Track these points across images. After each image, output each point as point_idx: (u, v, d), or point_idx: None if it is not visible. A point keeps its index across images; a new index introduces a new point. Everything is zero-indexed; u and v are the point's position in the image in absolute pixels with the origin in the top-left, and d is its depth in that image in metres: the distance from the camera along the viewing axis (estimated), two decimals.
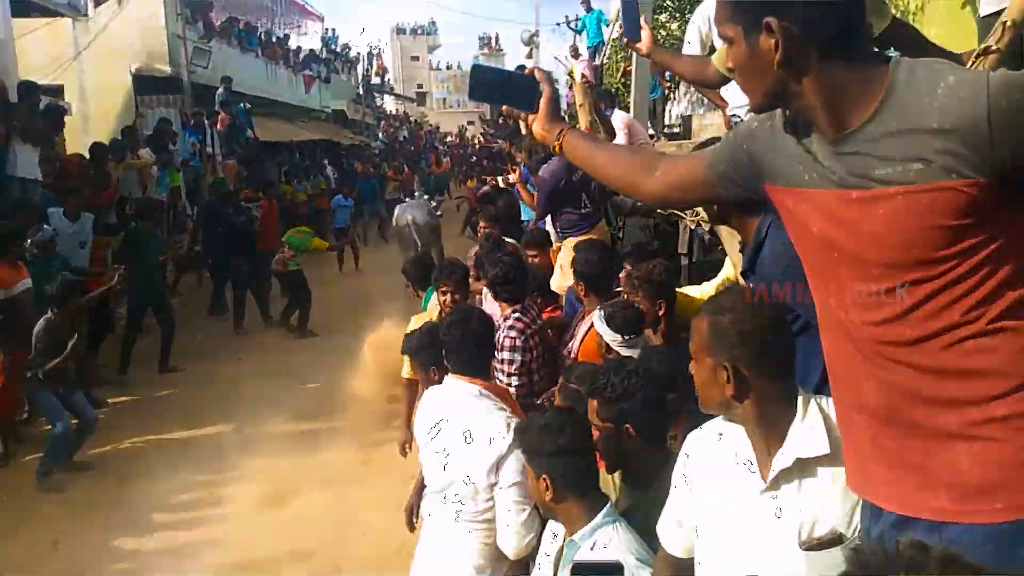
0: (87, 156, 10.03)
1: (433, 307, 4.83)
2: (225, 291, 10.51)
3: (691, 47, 4.29)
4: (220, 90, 15.31)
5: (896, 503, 1.36)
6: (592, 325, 3.56)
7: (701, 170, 1.62)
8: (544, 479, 2.11)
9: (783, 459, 1.57)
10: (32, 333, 5.80)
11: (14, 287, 5.90)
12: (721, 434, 1.74)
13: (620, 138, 5.90)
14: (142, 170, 10.74)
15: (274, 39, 23.50)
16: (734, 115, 4.04)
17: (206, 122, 14.24)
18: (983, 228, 1.22)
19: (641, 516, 2.17)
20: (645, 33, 3.05)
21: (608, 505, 2.12)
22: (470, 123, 48.61)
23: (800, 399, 1.61)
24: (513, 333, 3.75)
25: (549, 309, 4.50)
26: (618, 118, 6.54)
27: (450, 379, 2.87)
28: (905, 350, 1.30)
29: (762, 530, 1.59)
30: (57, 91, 13.54)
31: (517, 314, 3.83)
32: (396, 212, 11.20)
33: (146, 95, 15.39)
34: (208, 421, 6.81)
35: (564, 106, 16.88)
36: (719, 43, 3.66)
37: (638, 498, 2.27)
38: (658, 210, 5.35)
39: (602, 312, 3.36)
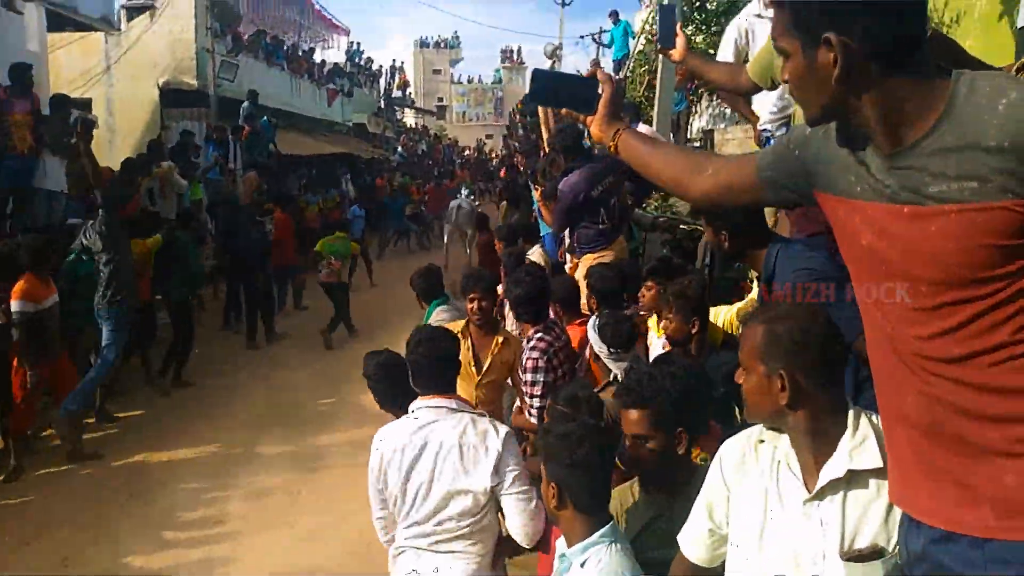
0: (114, 168, 10.11)
1: (435, 319, 4.77)
2: (234, 305, 10.56)
3: (724, 56, 4.23)
4: (245, 104, 15.43)
5: (939, 518, 1.33)
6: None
7: (751, 173, 1.61)
8: (553, 486, 2.11)
9: (834, 470, 1.57)
10: (54, 347, 5.99)
11: (44, 302, 5.98)
12: (762, 441, 1.75)
13: None
14: (162, 179, 10.80)
15: (300, 52, 23.68)
16: (764, 129, 3.96)
17: (230, 137, 14.32)
18: None
19: (665, 524, 2.19)
20: (680, 40, 3.03)
21: (609, 525, 2.09)
22: (488, 136, 48.76)
23: (851, 412, 1.61)
24: (535, 354, 3.71)
25: (576, 323, 4.43)
26: (641, 129, 6.48)
27: (419, 404, 2.75)
28: (951, 366, 1.28)
29: (803, 539, 1.60)
30: (86, 104, 13.71)
31: (540, 333, 3.80)
32: (450, 204, 15.22)
33: (172, 108, 15.56)
34: (218, 437, 6.77)
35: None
36: (754, 53, 3.58)
37: (665, 506, 2.26)
38: (681, 225, 5.27)
39: (595, 322, 3.33)
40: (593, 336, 3.42)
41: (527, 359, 3.73)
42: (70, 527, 5.23)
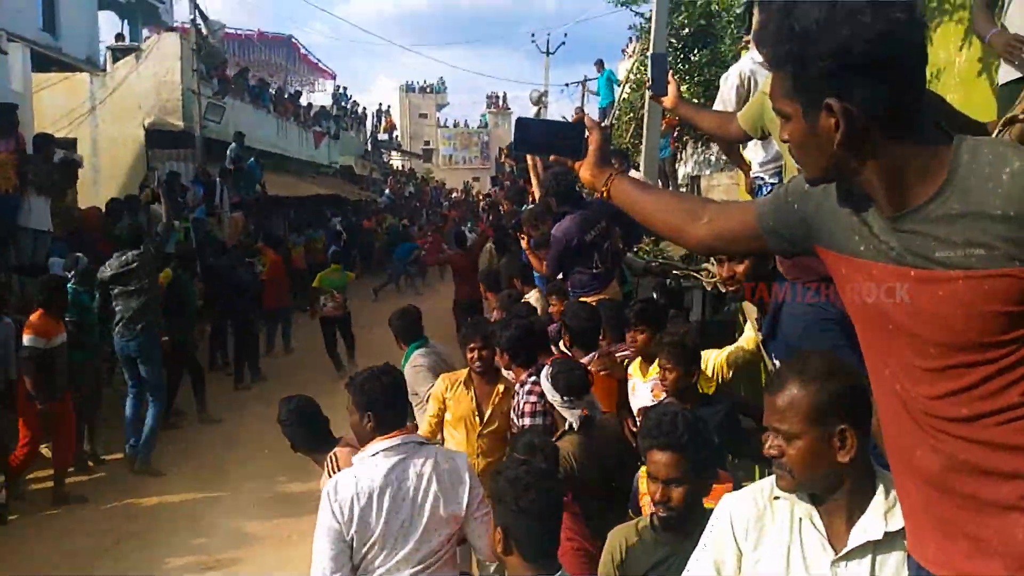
0: (101, 208, 10.12)
1: (412, 363, 4.72)
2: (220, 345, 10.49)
3: (725, 100, 4.27)
4: (232, 145, 15.48)
5: (949, 569, 1.33)
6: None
7: (751, 221, 1.59)
8: (499, 530, 2.12)
9: (869, 531, 1.56)
10: (62, 382, 6.18)
11: (53, 340, 6.11)
12: (777, 497, 1.72)
13: None
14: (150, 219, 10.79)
15: (286, 96, 23.87)
16: (757, 176, 4.02)
17: (217, 179, 14.35)
18: None
19: (677, 563, 2.18)
20: (671, 88, 3.10)
21: (558, 574, 2.09)
22: (475, 179, 49.06)
23: (876, 470, 1.62)
24: (532, 398, 3.73)
25: None
26: (631, 176, 6.58)
27: (384, 444, 2.69)
28: (959, 425, 1.28)
29: None
30: (71, 144, 13.70)
31: (534, 377, 3.79)
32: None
33: (158, 149, 15.57)
34: (206, 480, 6.67)
35: None
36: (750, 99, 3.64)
37: (677, 548, 2.27)
38: (674, 271, 5.31)
39: (548, 370, 3.34)
40: (546, 385, 3.43)
41: (524, 403, 3.74)
42: (54, 573, 5.10)
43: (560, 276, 5.34)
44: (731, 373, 3.79)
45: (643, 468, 3.07)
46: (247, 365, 9.98)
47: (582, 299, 4.67)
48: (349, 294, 10.65)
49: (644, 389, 3.75)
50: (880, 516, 1.57)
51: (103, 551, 5.45)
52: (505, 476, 2.16)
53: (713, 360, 3.82)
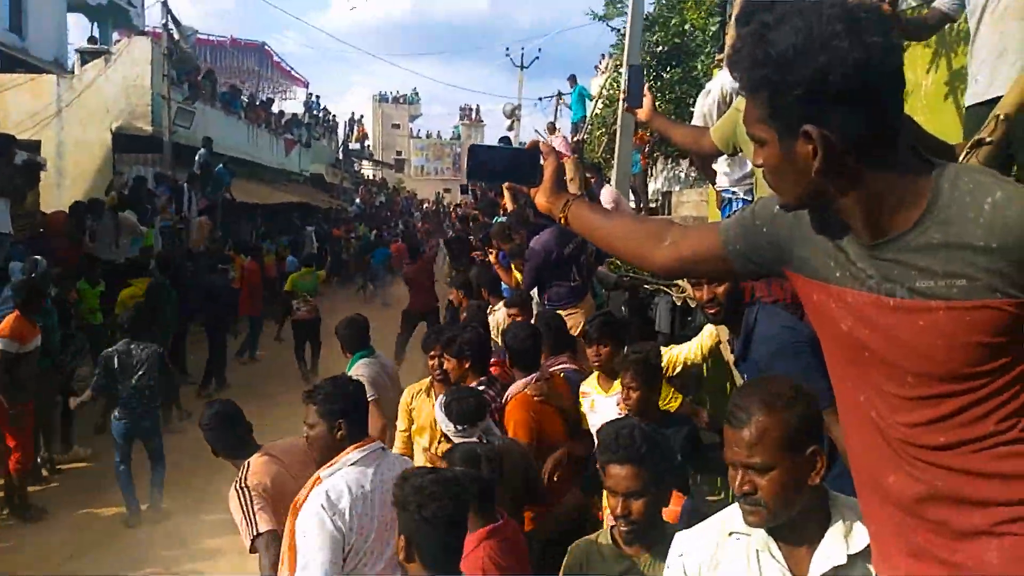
0: (65, 212, 9.93)
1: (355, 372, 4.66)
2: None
3: (704, 113, 4.24)
4: (201, 151, 15.31)
5: None
6: (513, 394, 3.79)
7: (715, 244, 1.54)
8: (403, 538, 2.11)
9: (833, 556, 1.56)
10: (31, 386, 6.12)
11: (28, 344, 6.06)
12: (734, 533, 1.69)
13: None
14: (119, 223, 10.61)
15: (258, 102, 23.70)
16: (726, 190, 4.04)
17: (185, 184, 14.18)
18: (1022, 344, 1.20)
19: None
20: (647, 100, 3.11)
21: None
22: (446, 190, 49.09)
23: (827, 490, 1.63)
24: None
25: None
26: (606, 193, 6.63)
27: (362, 452, 2.76)
28: (936, 453, 1.27)
29: None
30: (34, 146, 13.46)
31: (482, 387, 3.84)
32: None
33: (125, 153, 15.35)
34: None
35: None
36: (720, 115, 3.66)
37: (635, 560, 2.30)
38: (645, 285, 5.33)
39: (441, 399, 3.41)
40: (439, 414, 3.42)
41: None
42: None
43: (535, 289, 5.32)
44: (676, 371, 3.96)
45: None
46: (214, 373, 9.83)
47: (557, 312, 4.65)
48: (320, 299, 10.61)
49: (607, 404, 3.69)
50: (841, 539, 1.56)
51: (61, 562, 5.30)
52: (411, 483, 2.13)
53: (665, 356, 3.91)
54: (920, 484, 1.29)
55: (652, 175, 13.75)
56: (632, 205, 10.41)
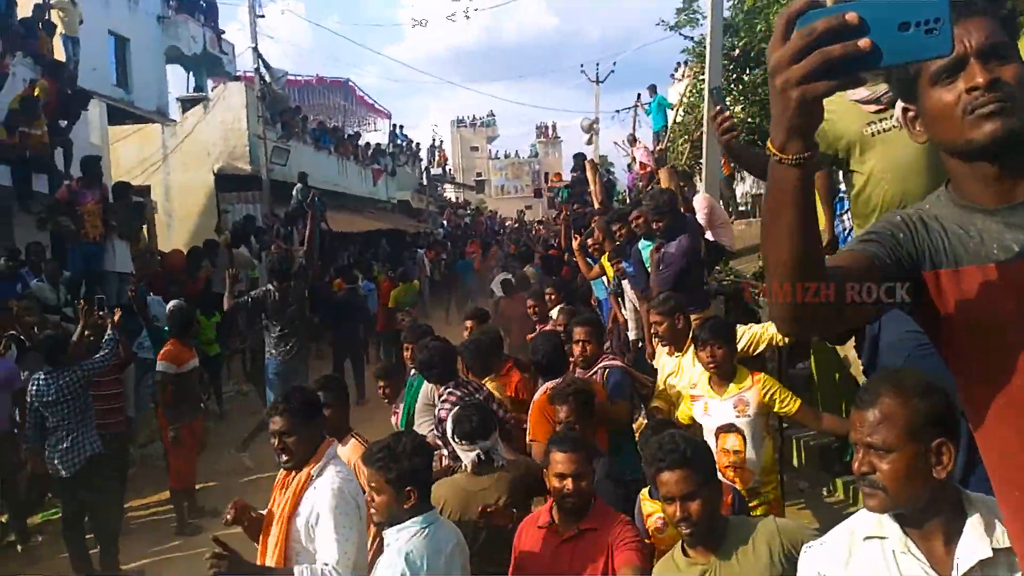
0: (180, 250, 10.66)
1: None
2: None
3: None
4: (298, 186, 15.99)
5: None
6: (537, 400, 4.12)
7: (860, 256, 1.39)
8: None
9: (977, 550, 1.52)
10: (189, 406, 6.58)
11: (184, 366, 6.54)
12: (870, 538, 1.66)
13: (700, 218, 5.96)
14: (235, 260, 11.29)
15: (346, 136, 24.54)
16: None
17: (302, 218, 14.90)
18: None
19: None
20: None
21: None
22: (528, 207, 49.44)
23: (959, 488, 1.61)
24: (447, 406, 4.06)
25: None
26: (700, 199, 6.61)
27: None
28: None
29: None
30: (145, 191, 14.37)
31: (450, 388, 4.28)
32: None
33: (226, 192, 16.20)
34: None
35: (625, 188, 17.12)
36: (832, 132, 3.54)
37: (707, 564, 2.37)
38: (750, 287, 5.34)
39: (452, 414, 3.55)
40: (449, 426, 3.53)
41: (440, 411, 4.17)
42: None
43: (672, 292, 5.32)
44: (759, 350, 4.28)
45: (643, 491, 3.26)
46: (357, 385, 10.35)
47: (692, 316, 4.64)
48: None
49: (722, 407, 3.72)
50: (982, 534, 1.52)
51: None
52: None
53: (748, 335, 4.22)
54: None
55: (740, 178, 13.57)
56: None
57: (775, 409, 3.72)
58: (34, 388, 5.41)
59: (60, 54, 12.13)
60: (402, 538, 2.59)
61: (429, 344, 4.62)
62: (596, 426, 3.77)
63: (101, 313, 6.11)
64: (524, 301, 7.14)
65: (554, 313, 6.47)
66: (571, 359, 4.49)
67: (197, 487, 6.90)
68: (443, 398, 4.26)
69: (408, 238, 24.52)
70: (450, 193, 43.58)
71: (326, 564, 2.73)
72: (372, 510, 2.70)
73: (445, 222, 31.26)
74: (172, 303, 7.62)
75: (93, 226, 9.24)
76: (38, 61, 10.88)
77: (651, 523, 3.17)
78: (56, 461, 5.38)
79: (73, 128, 10.82)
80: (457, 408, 3.62)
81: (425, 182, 33.87)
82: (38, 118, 9.53)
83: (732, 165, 12.89)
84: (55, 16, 12.44)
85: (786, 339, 4.17)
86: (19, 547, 6.24)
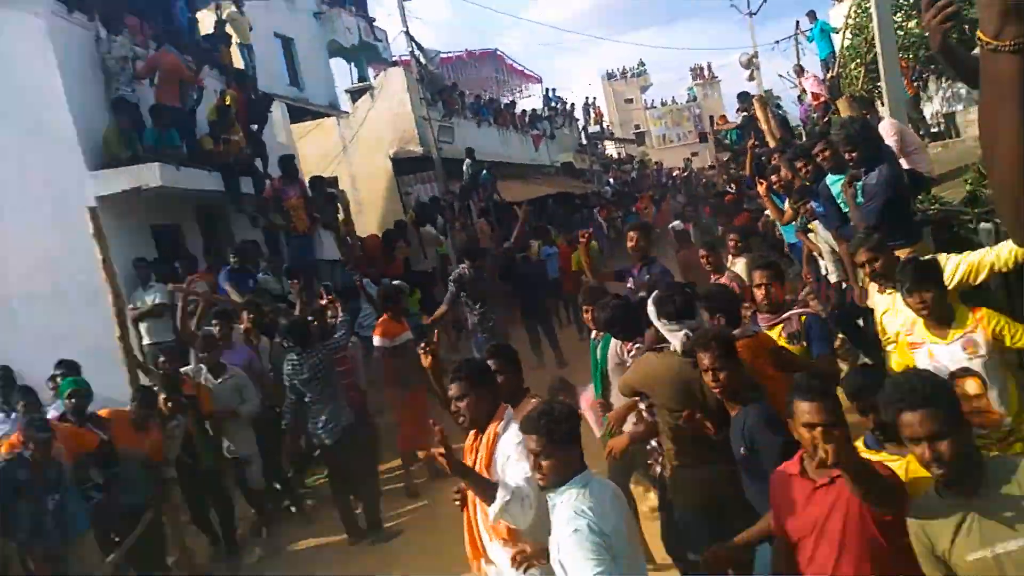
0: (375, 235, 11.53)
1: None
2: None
3: None
4: (467, 161, 16.61)
5: None
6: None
7: None
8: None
9: None
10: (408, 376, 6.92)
11: (397, 339, 7.18)
12: None
13: (890, 144, 5.70)
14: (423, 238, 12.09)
15: (502, 106, 25.03)
16: None
17: (456, 192, 15.56)
18: None
19: (976, 524, 2.24)
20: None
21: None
22: (694, 155, 48.14)
23: None
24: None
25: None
26: (887, 125, 6.31)
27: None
28: None
29: None
30: (334, 183, 15.46)
31: (639, 345, 4.38)
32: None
33: (403, 175, 17.12)
34: None
35: (798, 122, 16.36)
36: None
37: (968, 506, 2.27)
38: (961, 216, 5.09)
39: (655, 296, 3.74)
40: (651, 309, 3.73)
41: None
42: None
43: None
44: (980, 278, 3.80)
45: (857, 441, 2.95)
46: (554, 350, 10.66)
47: (895, 251, 4.36)
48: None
49: (950, 351, 3.46)
50: None
51: None
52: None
53: (958, 263, 3.81)
54: None
55: (926, 96, 12.64)
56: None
57: (1007, 343, 3.38)
58: (289, 367, 6.15)
59: (238, 62, 12.85)
60: (568, 498, 2.71)
61: (610, 303, 4.64)
62: (743, 373, 3.46)
63: (330, 297, 6.80)
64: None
65: (739, 266, 6.15)
66: (747, 305, 4.47)
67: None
68: (631, 352, 4.39)
69: (576, 200, 24.73)
70: (611, 149, 43.29)
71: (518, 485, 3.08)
72: (539, 476, 2.77)
73: (611, 180, 31.19)
74: (385, 283, 8.30)
75: (299, 219, 10.16)
76: (223, 72, 11.68)
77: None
78: (320, 431, 6.13)
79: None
80: (664, 289, 3.83)
81: (584, 141, 33.87)
82: (233, 125, 10.28)
83: (916, 84, 12.04)
84: (229, 27, 13.36)
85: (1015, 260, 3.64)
86: (293, 509, 7.18)
